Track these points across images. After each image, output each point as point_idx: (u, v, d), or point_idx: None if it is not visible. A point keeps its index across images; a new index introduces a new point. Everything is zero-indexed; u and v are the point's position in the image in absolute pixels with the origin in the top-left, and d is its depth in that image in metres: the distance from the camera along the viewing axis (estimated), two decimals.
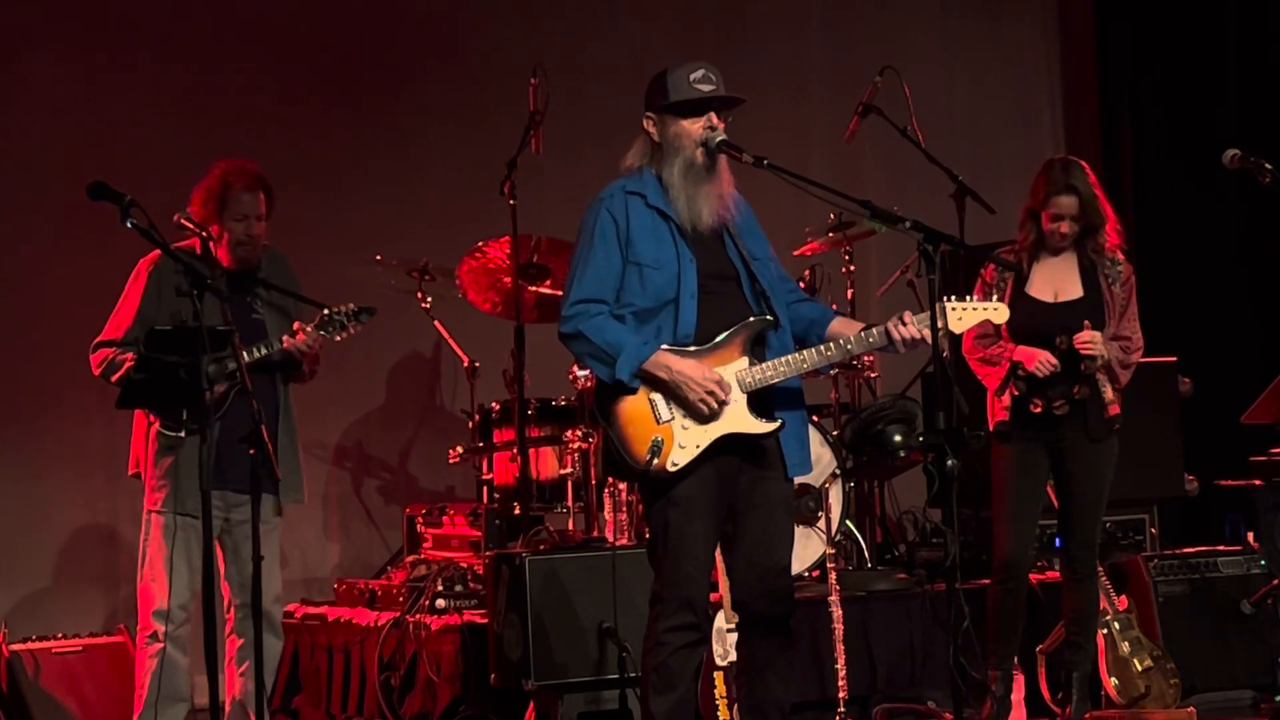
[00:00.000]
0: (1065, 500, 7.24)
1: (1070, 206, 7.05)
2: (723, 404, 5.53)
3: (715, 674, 6.98)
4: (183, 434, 6.60)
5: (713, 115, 5.66)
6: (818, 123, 10.76)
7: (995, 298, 6.96)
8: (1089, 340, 6.99)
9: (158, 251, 6.68)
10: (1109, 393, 7.10)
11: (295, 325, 6.76)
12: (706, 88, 5.64)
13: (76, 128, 9.17)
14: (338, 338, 6.78)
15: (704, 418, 5.53)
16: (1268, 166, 6.59)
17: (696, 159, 5.65)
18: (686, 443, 5.53)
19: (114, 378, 6.65)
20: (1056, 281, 7.16)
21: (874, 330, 5.65)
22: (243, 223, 6.76)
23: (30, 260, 8.98)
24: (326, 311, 6.72)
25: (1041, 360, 6.99)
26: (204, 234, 6.60)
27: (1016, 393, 7.07)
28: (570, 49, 10.03)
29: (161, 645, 6.64)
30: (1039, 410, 7.05)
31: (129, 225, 5.91)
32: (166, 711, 6.64)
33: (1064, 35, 11.76)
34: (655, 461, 5.50)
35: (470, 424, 8.90)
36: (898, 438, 8.17)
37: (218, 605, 6.02)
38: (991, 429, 7.14)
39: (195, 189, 6.75)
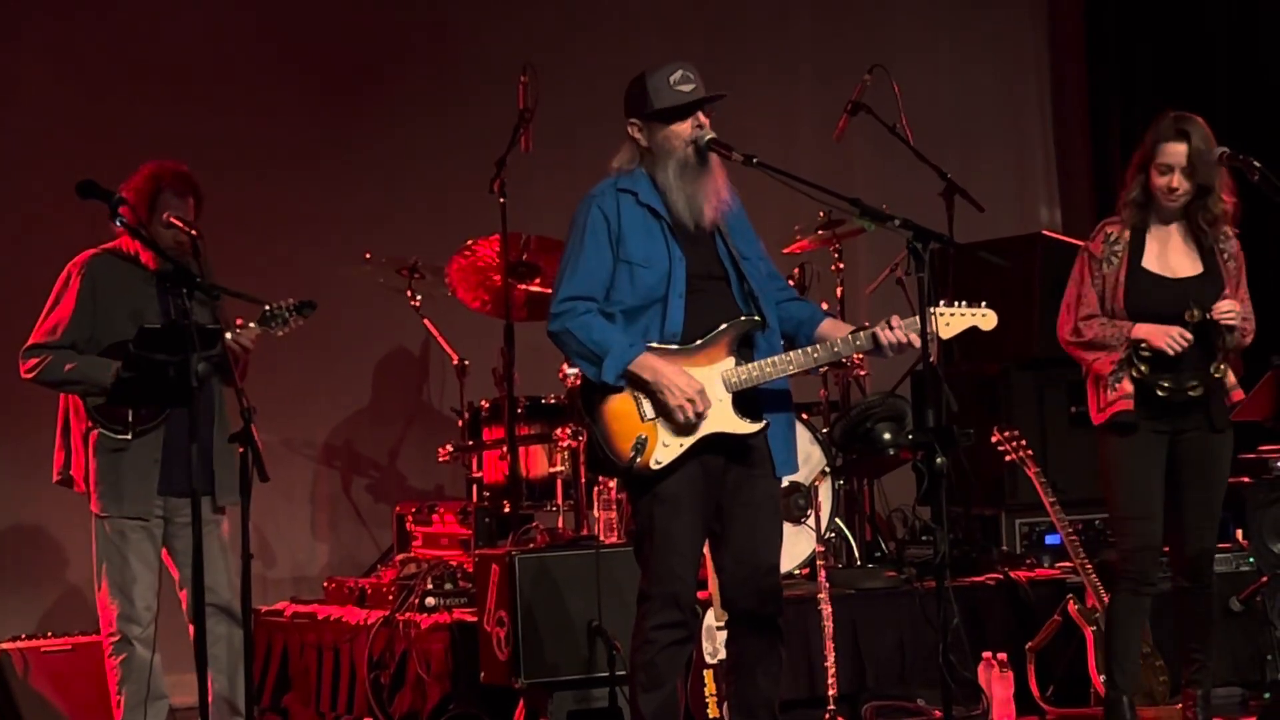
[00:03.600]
0: (1183, 497, 6.67)
1: (1179, 155, 6.51)
2: (700, 416, 5.52)
3: (705, 672, 6.99)
4: (129, 436, 6.57)
5: (700, 114, 5.67)
6: (806, 120, 10.76)
7: (1106, 270, 6.60)
8: (1229, 310, 6.47)
9: (88, 253, 6.71)
10: (1230, 377, 6.60)
11: (239, 321, 6.70)
12: (688, 88, 5.65)
13: (66, 124, 9.15)
14: (279, 333, 6.73)
15: (679, 426, 5.53)
16: (1256, 164, 6.55)
17: (690, 158, 5.66)
18: (670, 441, 5.53)
19: (56, 379, 6.56)
20: (1170, 255, 6.65)
21: (861, 334, 5.65)
22: (172, 228, 6.67)
23: (12, 258, 8.97)
24: (267, 307, 6.67)
25: (1173, 336, 6.45)
26: (192, 233, 6.58)
27: (1138, 375, 6.53)
28: (559, 45, 10.03)
29: (131, 650, 6.63)
30: (1166, 394, 6.53)
31: (118, 224, 5.90)
32: (150, 709, 6.64)
33: (1053, 29, 11.77)
34: (639, 459, 5.51)
35: (460, 422, 8.89)
36: (887, 436, 8.19)
37: (196, 606, 5.99)
38: (1104, 420, 6.62)
39: (122, 188, 6.57)
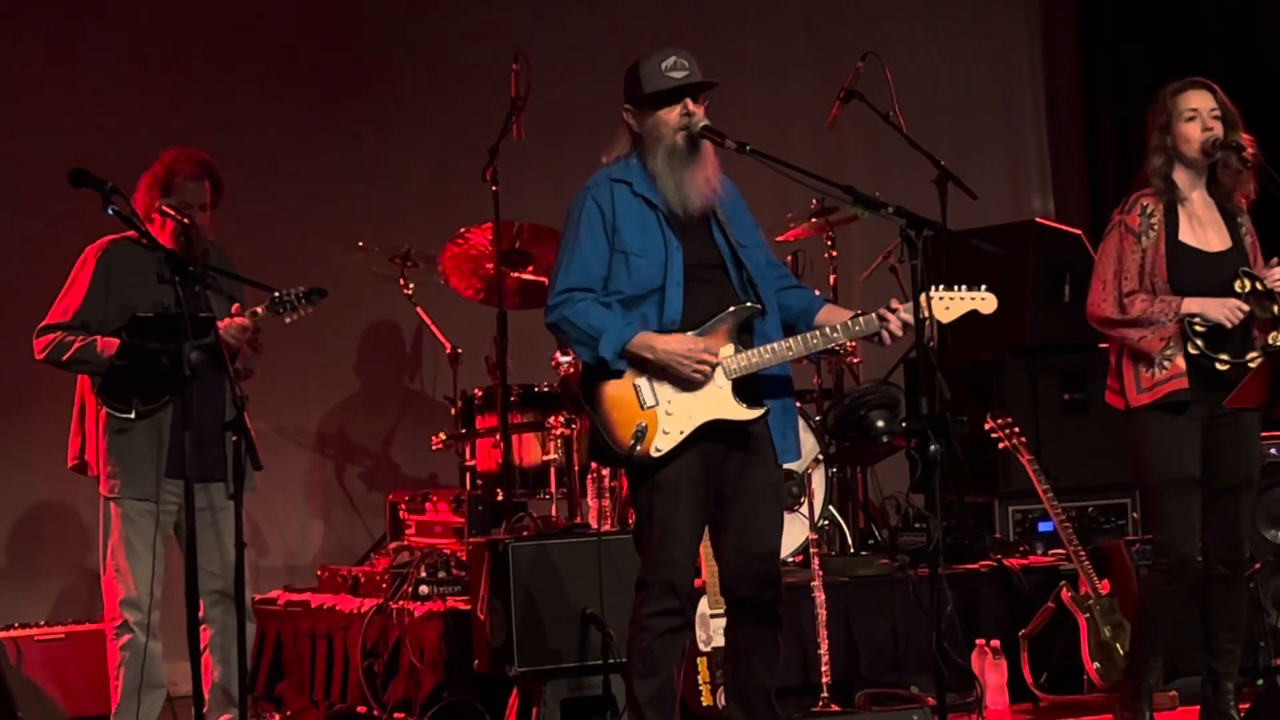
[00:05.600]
0: (1221, 480, 6.42)
1: (1205, 99, 6.38)
2: (715, 366, 5.53)
3: (699, 659, 6.99)
4: (133, 416, 6.58)
5: (688, 101, 5.67)
6: (799, 108, 10.76)
7: (1144, 243, 6.35)
8: None
9: (106, 239, 6.73)
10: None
11: (235, 307, 6.70)
12: (679, 74, 5.64)
13: (57, 114, 9.14)
14: (287, 320, 6.72)
15: (697, 388, 5.53)
16: (1249, 152, 6.51)
17: (678, 144, 5.66)
18: (670, 428, 5.54)
19: (65, 356, 6.62)
20: (1202, 229, 6.42)
21: (860, 319, 5.65)
22: (185, 212, 6.68)
23: (10, 248, 8.97)
24: (276, 294, 6.67)
25: (1231, 308, 6.21)
26: (183, 221, 6.58)
27: (1196, 352, 6.27)
28: (551, 33, 10.03)
29: (132, 635, 6.64)
30: (1227, 367, 6.25)
31: (110, 212, 5.90)
32: (145, 699, 6.63)
33: (1045, 16, 11.77)
34: (639, 447, 5.51)
35: (453, 410, 8.89)
36: (881, 423, 8.18)
37: (189, 594, 5.99)
38: (1151, 401, 6.34)
39: (143, 175, 6.69)
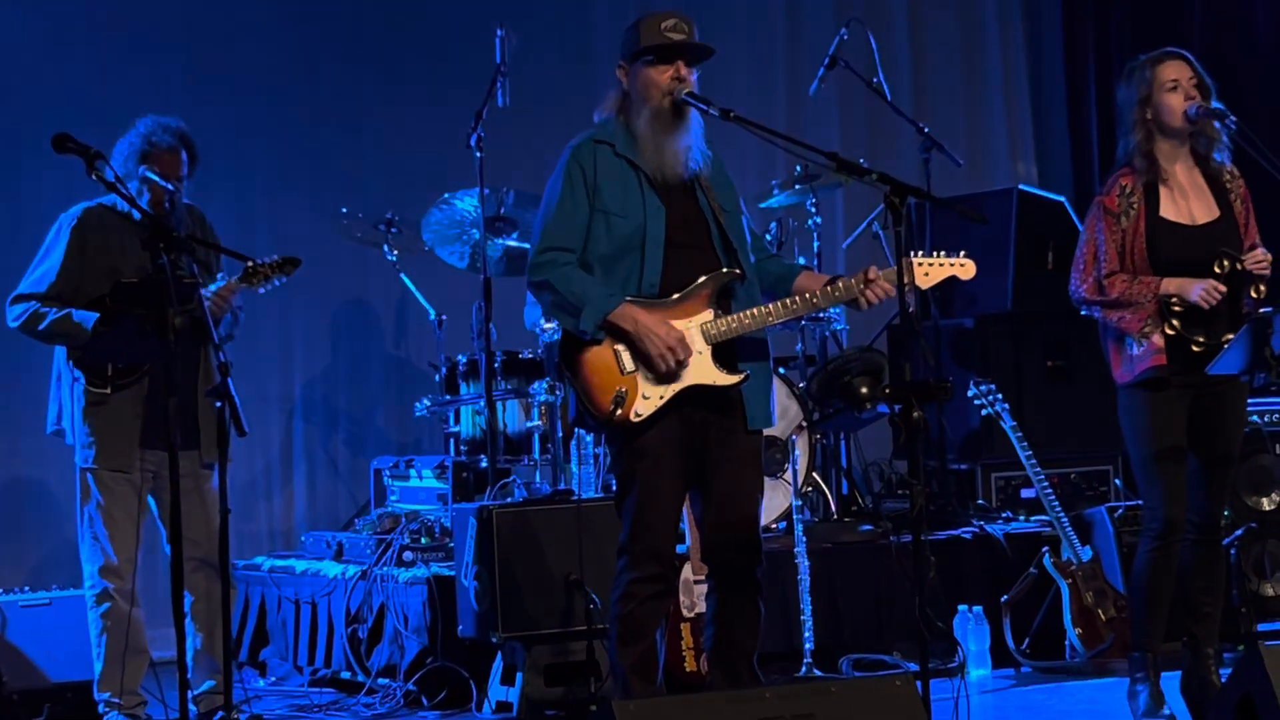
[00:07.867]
0: (1208, 448, 6.39)
1: (1183, 69, 6.33)
2: (680, 364, 5.54)
3: (682, 625, 7.01)
4: (108, 390, 6.58)
5: (680, 65, 5.66)
6: (783, 74, 10.74)
7: (1124, 223, 6.30)
8: (1263, 259, 6.25)
9: (80, 206, 6.73)
10: None
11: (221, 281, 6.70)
12: (677, 36, 5.64)
13: (30, 77, 9.10)
14: (261, 289, 6.72)
15: (660, 375, 5.54)
16: (1233, 119, 6.50)
17: (663, 108, 5.66)
18: (651, 393, 5.54)
19: (40, 328, 6.61)
20: (1186, 202, 6.39)
21: (839, 285, 5.66)
22: (164, 181, 6.66)
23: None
24: (250, 263, 6.66)
25: (1207, 289, 6.18)
26: (167, 189, 6.57)
27: (1172, 332, 6.25)
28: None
29: (113, 602, 6.65)
30: (1201, 349, 6.24)
31: (94, 178, 5.90)
32: (128, 665, 6.65)
33: None
34: (619, 412, 5.52)
35: (437, 377, 8.89)
36: (864, 390, 8.20)
37: (174, 562, 6.00)
38: (1132, 378, 6.32)
39: (118, 143, 6.68)
